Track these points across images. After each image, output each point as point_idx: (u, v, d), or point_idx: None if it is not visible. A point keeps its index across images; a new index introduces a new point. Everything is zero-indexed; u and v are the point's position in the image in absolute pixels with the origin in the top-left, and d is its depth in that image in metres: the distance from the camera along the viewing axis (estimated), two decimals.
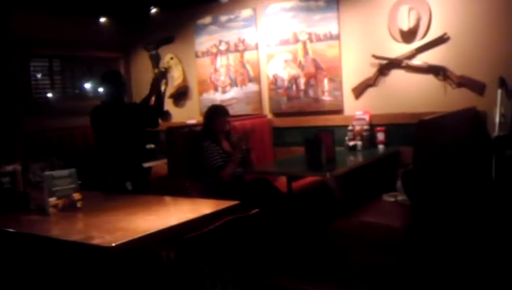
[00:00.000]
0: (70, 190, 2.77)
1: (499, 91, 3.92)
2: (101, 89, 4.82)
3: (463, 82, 4.22)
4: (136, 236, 2.21)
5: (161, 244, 2.52)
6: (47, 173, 2.73)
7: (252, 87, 5.42)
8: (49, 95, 5.82)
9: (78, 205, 2.78)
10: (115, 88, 4.18)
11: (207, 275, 2.23)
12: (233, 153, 4.11)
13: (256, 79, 5.38)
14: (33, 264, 2.61)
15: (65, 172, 2.79)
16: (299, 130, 5.05)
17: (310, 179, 4.46)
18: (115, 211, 2.73)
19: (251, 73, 5.42)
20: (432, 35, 4.34)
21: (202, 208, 2.73)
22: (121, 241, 2.12)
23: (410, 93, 4.48)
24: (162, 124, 4.80)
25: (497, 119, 3.86)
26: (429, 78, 4.37)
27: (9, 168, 2.95)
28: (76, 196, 2.79)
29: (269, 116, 5.33)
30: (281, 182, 4.24)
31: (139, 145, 4.31)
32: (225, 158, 4.06)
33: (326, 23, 4.86)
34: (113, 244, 2.09)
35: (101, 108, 4.21)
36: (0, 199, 2.89)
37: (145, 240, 2.25)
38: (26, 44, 5.39)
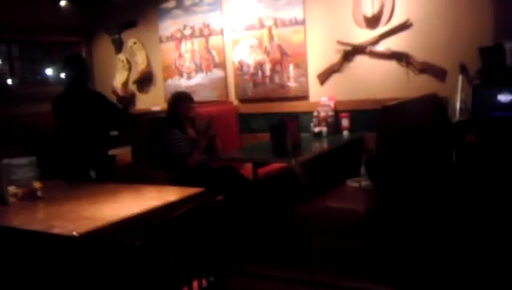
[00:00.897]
0: (30, 179, 2.70)
1: (460, 77, 4.00)
2: (63, 74, 4.70)
3: (425, 68, 4.29)
4: (99, 225, 2.18)
5: (127, 233, 2.49)
6: (4, 160, 2.66)
7: (217, 73, 5.38)
8: (9, 81, 5.65)
9: (39, 193, 2.72)
10: (78, 73, 4.08)
11: (173, 263, 2.22)
12: (199, 139, 4.08)
13: (222, 65, 5.34)
14: None
15: (24, 160, 2.72)
16: (265, 116, 5.05)
17: (276, 166, 4.48)
18: (79, 200, 2.69)
19: (216, 58, 5.37)
20: (395, 22, 4.39)
21: (167, 195, 2.71)
22: (84, 230, 2.09)
23: (374, 79, 4.52)
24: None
25: (458, 105, 3.95)
26: (392, 65, 4.43)
27: None
28: (37, 184, 2.72)
29: (235, 102, 5.30)
30: (247, 168, 4.24)
31: (103, 133, 4.23)
32: (191, 145, 4.03)
33: (291, 8, 4.85)
34: (75, 233, 2.05)
35: (64, 96, 4.11)
36: None
37: (109, 229, 2.22)
38: None
